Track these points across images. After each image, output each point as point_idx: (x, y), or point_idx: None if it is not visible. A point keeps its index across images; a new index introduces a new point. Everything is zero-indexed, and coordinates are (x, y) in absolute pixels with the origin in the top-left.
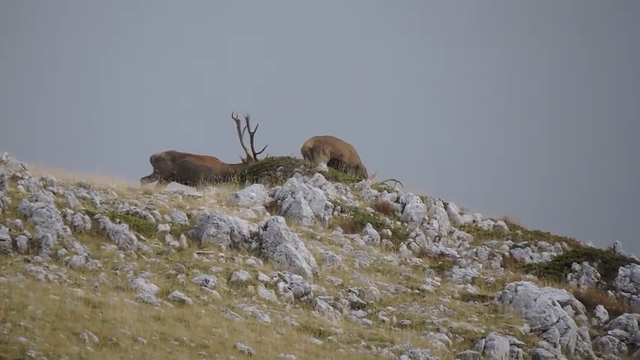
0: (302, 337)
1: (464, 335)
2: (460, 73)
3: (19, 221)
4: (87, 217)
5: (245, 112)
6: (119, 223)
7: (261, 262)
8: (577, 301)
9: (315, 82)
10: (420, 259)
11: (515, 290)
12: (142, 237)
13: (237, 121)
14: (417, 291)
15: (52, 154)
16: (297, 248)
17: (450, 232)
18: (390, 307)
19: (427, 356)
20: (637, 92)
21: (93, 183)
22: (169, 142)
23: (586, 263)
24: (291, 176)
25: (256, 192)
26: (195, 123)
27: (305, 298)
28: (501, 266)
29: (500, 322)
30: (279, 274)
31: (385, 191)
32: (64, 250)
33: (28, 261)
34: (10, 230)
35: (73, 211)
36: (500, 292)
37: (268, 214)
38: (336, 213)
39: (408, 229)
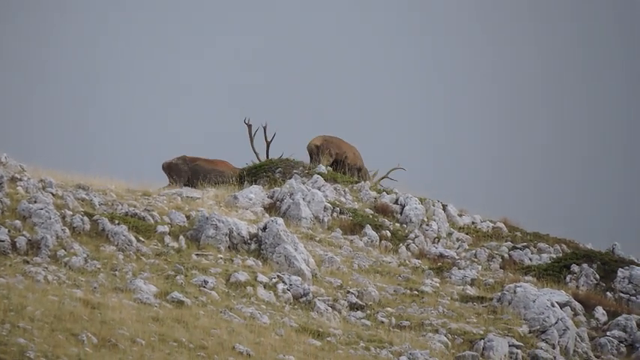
0: (301, 338)
1: (463, 336)
2: (459, 73)
3: (18, 222)
4: (86, 219)
5: (263, 122)
6: (118, 224)
7: (260, 264)
8: (576, 302)
9: (315, 83)
10: (419, 261)
11: (514, 292)
12: (140, 238)
13: (249, 126)
14: (416, 292)
15: (51, 155)
16: (296, 249)
17: (449, 234)
18: (389, 309)
19: (426, 357)
20: (635, 93)
21: (92, 184)
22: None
23: (585, 265)
24: (290, 178)
25: (255, 193)
26: (186, 123)
27: (304, 299)
28: (500, 268)
29: (499, 323)
30: (278, 276)
31: (384, 193)
32: (63, 251)
33: (28, 262)
34: (9, 231)
35: (72, 213)
36: (499, 294)
37: (267, 215)
38: (335, 214)
39: (407, 231)
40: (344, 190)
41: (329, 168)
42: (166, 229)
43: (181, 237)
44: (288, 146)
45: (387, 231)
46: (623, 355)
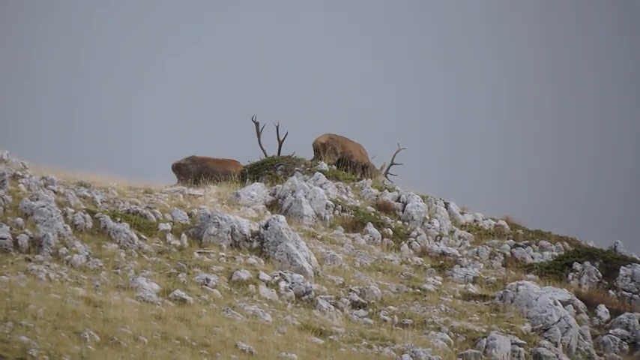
0: (303, 337)
1: (465, 334)
2: (462, 71)
3: (20, 220)
4: (88, 216)
5: (275, 121)
6: (120, 222)
7: (262, 262)
8: (578, 300)
9: (316, 84)
10: (421, 259)
11: (517, 290)
12: (142, 236)
13: (256, 124)
14: (419, 290)
15: (53, 152)
16: (298, 247)
17: (451, 232)
18: (391, 307)
19: (429, 355)
20: (638, 92)
21: (93, 182)
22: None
23: (587, 263)
24: (292, 175)
25: (257, 191)
26: (173, 121)
27: (306, 297)
28: (502, 266)
29: (501, 321)
30: (280, 274)
31: (386, 190)
32: (65, 249)
33: (29, 260)
34: (11, 229)
35: (73, 210)
36: (501, 292)
37: (269, 213)
38: (336, 212)
39: (409, 229)
40: (346, 188)
41: (333, 166)
42: (168, 226)
43: (183, 235)
44: (290, 145)
45: (389, 229)
46: (625, 353)
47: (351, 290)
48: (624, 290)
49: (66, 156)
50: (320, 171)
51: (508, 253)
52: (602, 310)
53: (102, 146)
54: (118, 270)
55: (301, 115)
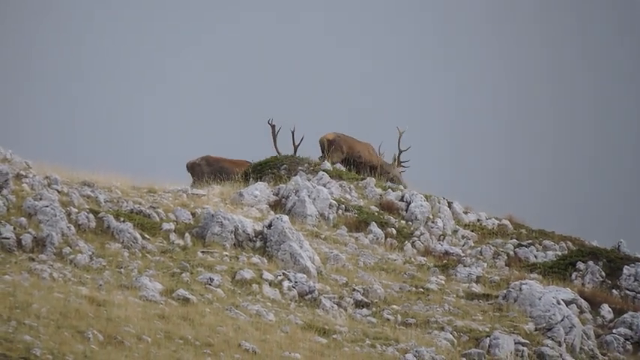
0: (306, 336)
1: (469, 334)
2: (462, 71)
3: (23, 219)
4: (91, 216)
5: (291, 126)
6: (123, 221)
7: (266, 261)
8: (582, 299)
9: (315, 83)
10: (425, 258)
11: (520, 289)
12: (146, 235)
13: (273, 127)
14: (422, 290)
15: (53, 153)
16: (301, 247)
17: (455, 231)
18: (394, 306)
19: (432, 355)
20: (638, 92)
21: (97, 181)
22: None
23: (591, 262)
24: (295, 175)
25: (260, 190)
26: (173, 121)
27: (309, 296)
28: (506, 265)
29: (504, 320)
30: (283, 273)
31: (389, 190)
32: (69, 248)
33: (33, 259)
34: (14, 229)
35: (77, 210)
36: (504, 291)
37: (272, 212)
38: (340, 212)
39: (412, 228)
40: (349, 187)
41: (337, 165)
42: (172, 226)
43: (187, 234)
44: (291, 146)
45: (393, 228)
46: (629, 352)
47: (354, 290)
48: (628, 290)
49: (66, 156)
50: (324, 170)
51: (511, 253)
52: (606, 310)
53: (102, 146)
54: (122, 269)
55: (301, 115)
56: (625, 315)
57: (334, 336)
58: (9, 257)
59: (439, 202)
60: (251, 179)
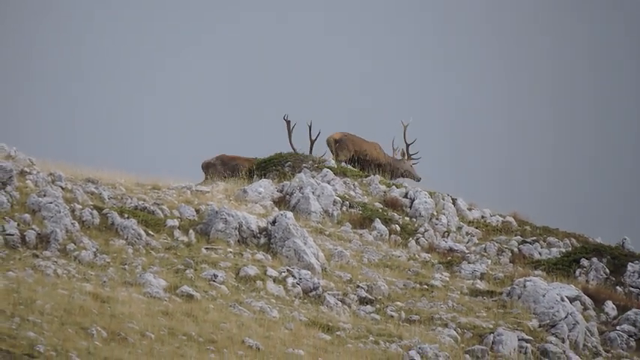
0: (310, 333)
1: (472, 330)
2: (462, 71)
3: (27, 216)
4: (95, 212)
5: (308, 120)
6: (127, 218)
7: (270, 258)
8: (585, 296)
9: (315, 83)
10: (429, 255)
11: (524, 286)
12: (150, 232)
13: (288, 122)
14: (426, 286)
15: (54, 153)
16: (305, 244)
17: (459, 228)
18: (398, 303)
19: (436, 352)
20: (638, 92)
21: (101, 178)
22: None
23: (595, 259)
24: (300, 171)
25: (264, 187)
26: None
27: (313, 293)
28: (510, 262)
29: (508, 317)
30: (287, 270)
31: (394, 187)
32: (73, 245)
33: (37, 256)
34: (18, 225)
35: (81, 206)
36: (508, 288)
37: (277, 209)
38: (344, 208)
39: (416, 225)
40: (353, 184)
41: (344, 163)
42: (176, 222)
43: (191, 231)
44: (295, 143)
45: (397, 225)
46: (632, 349)
47: (358, 286)
48: (632, 286)
49: (66, 156)
50: (328, 167)
51: (516, 250)
52: (610, 307)
53: (102, 146)
54: (126, 266)
55: (301, 115)
56: (629, 312)
57: (338, 332)
58: (13, 254)
59: (443, 199)
60: (255, 176)
